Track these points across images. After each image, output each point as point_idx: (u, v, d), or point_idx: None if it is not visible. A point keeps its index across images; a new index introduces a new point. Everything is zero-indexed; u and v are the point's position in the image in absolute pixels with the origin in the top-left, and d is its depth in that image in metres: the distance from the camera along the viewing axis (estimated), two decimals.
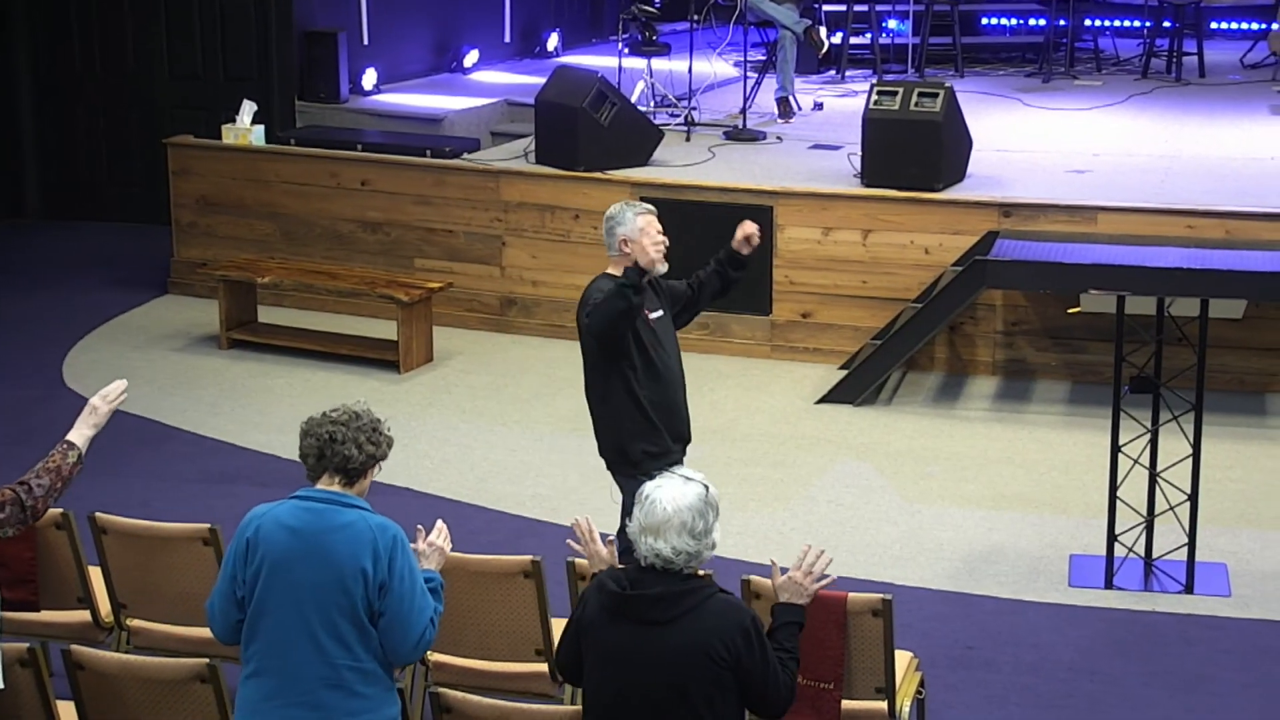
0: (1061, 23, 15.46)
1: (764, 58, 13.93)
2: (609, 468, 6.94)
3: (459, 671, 6.11)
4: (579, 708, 5.03)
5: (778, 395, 10.34)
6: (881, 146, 10.82)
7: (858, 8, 15.26)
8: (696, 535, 4.71)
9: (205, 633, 5.00)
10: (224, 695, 5.14)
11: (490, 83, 14.75)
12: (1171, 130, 12.90)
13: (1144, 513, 7.75)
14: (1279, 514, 8.59)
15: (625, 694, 4.72)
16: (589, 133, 11.30)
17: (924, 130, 10.72)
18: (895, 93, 10.95)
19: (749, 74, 13.07)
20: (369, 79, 13.86)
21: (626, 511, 6.62)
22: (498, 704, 5.09)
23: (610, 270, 6.72)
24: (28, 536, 6.04)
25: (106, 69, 14.21)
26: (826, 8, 15.35)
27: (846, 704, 5.55)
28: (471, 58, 15.18)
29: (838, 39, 15.08)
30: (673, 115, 12.87)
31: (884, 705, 5.65)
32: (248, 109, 12.39)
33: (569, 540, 5.43)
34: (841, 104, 13.90)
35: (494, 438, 9.71)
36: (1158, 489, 7.71)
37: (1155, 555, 7.78)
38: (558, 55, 15.93)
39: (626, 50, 13.33)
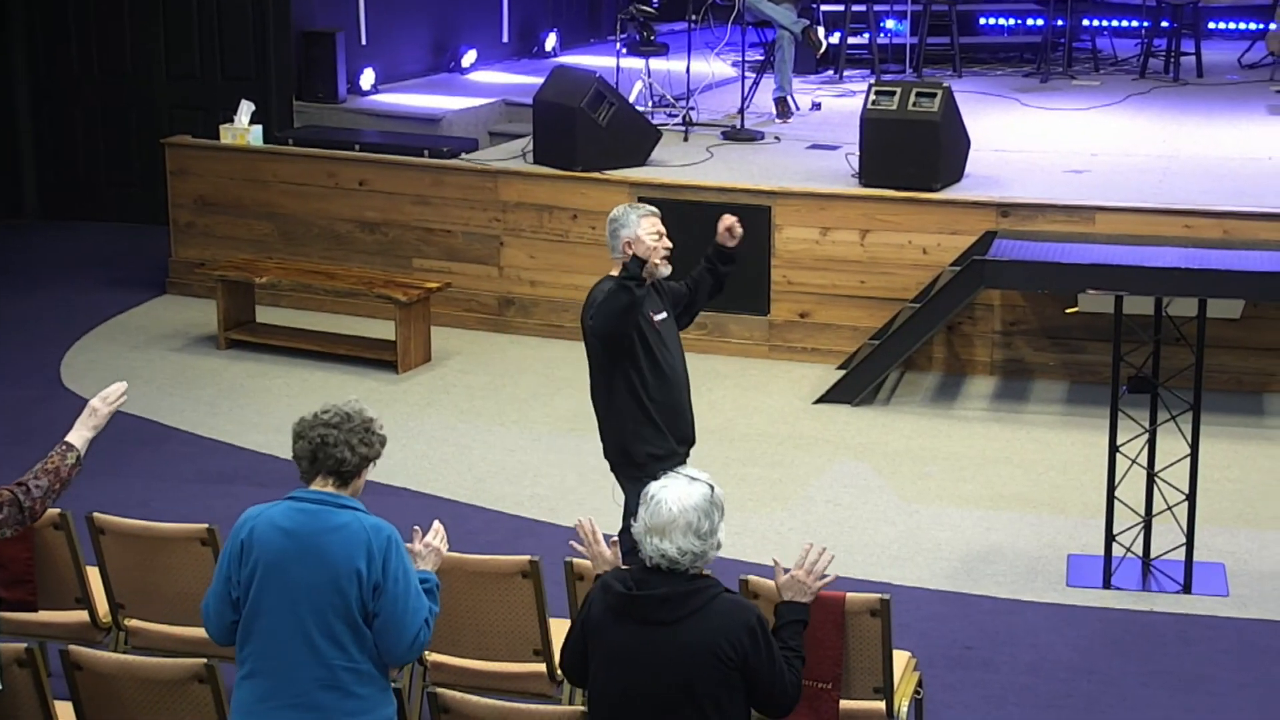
0: (1059, 23, 15.46)
1: (762, 58, 13.93)
2: (613, 469, 6.93)
3: (457, 671, 6.10)
4: (577, 708, 5.03)
5: (775, 395, 10.34)
6: (879, 146, 10.82)
7: (855, 8, 15.26)
8: (702, 535, 4.72)
9: (203, 633, 5.00)
10: (222, 695, 5.14)
11: (488, 83, 14.75)
12: (1169, 130, 12.90)
13: (1142, 513, 7.75)
14: (1277, 514, 8.59)
15: (631, 695, 4.72)
16: (587, 133, 11.30)
17: (922, 130, 10.72)
18: (893, 93, 10.96)
19: (747, 74, 13.07)
20: (367, 79, 13.86)
21: (630, 513, 6.62)
22: (496, 704, 5.08)
23: (613, 273, 6.72)
24: (25, 537, 6.03)
25: (104, 69, 14.20)
26: (824, 8, 15.36)
27: (845, 704, 5.55)
28: (469, 58, 15.18)
29: (835, 39, 15.09)
30: (671, 115, 12.88)
31: (882, 705, 5.65)
32: (246, 109, 12.39)
33: (572, 542, 5.42)
34: (839, 104, 13.90)
35: (492, 438, 9.71)
36: (1156, 489, 7.71)
37: (1153, 555, 7.79)
38: (556, 55, 15.93)
39: (624, 50, 13.32)
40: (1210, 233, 10.01)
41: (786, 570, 5.17)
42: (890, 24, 15.80)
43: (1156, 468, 7.67)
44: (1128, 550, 7.79)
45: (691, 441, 6.95)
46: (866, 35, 15.38)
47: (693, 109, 12.83)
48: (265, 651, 4.73)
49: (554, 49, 16.21)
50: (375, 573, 4.69)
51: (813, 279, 10.83)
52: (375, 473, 7.84)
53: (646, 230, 6.65)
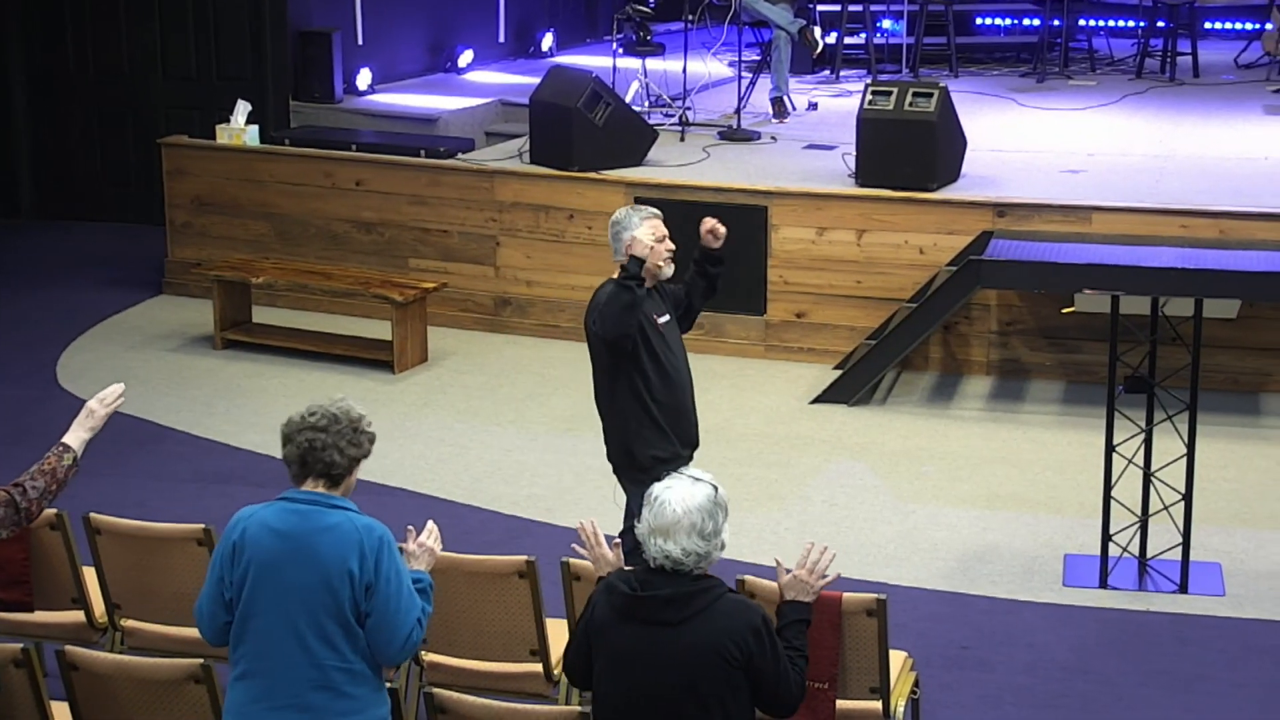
0: (1056, 23, 15.46)
1: (759, 58, 13.93)
2: (615, 472, 6.92)
3: (453, 672, 6.10)
4: (574, 708, 5.03)
5: (772, 395, 10.34)
6: (876, 146, 10.83)
7: (852, 8, 15.26)
8: (706, 536, 4.72)
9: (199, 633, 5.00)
10: (217, 696, 5.14)
11: (485, 83, 14.75)
12: (1166, 130, 12.90)
13: (1138, 512, 7.75)
14: (1273, 513, 8.59)
15: (637, 696, 4.72)
16: (583, 133, 11.30)
17: (918, 130, 10.72)
18: (890, 93, 10.96)
19: (743, 74, 13.07)
20: (364, 79, 13.86)
21: (632, 514, 6.62)
22: (492, 704, 5.08)
23: (615, 275, 6.72)
24: (21, 537, 6.03)
25: (101, 69, 14.20)
26: (821, 8, 15.37)
27: (841, 704, 5.55)
28: (466, 58, 15.18)
29: (832, 39, 15.09)
30: (667, 115, 12.88)
31: (878, 705, 5.65)
32: (242, 109, 12.39)
33: (574, 545, 5.43)
34: (836, 104, 13.90)
35: (488, 438, 9.71)
36: (1152, 489, 7.71)
37: (1150, 555, 7.79)
38: (552, 55, 15.93)
39: (621, 50, 13.32)
40: (1206, 233, 10.01)
41: (789, 570, 5.18)
42: (887, 24, 15.81)
43: (1153, 467, 7.67)
44: (1124, 550, 7.79)
45: (695, 444, 6.94)
46: (863, 35, 15.38)
47: (689, 109, 12.84)
48: (258, 652, 4.73)
49: (550, 49, 16.21)
50: (367, 573, 4.69)
51: (809, 279, 10.83)
52: (372, 473, 7.81)
53: (648, 232, 6.66)
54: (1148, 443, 7.65)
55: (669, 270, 6.76)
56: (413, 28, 14.74)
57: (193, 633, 5.70)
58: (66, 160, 14.44)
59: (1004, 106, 13.83)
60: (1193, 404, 7.54)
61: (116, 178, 14.29)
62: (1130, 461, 7.67)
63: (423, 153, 11.93)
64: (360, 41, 14.04)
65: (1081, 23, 16.23)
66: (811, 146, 12.28)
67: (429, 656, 6.13)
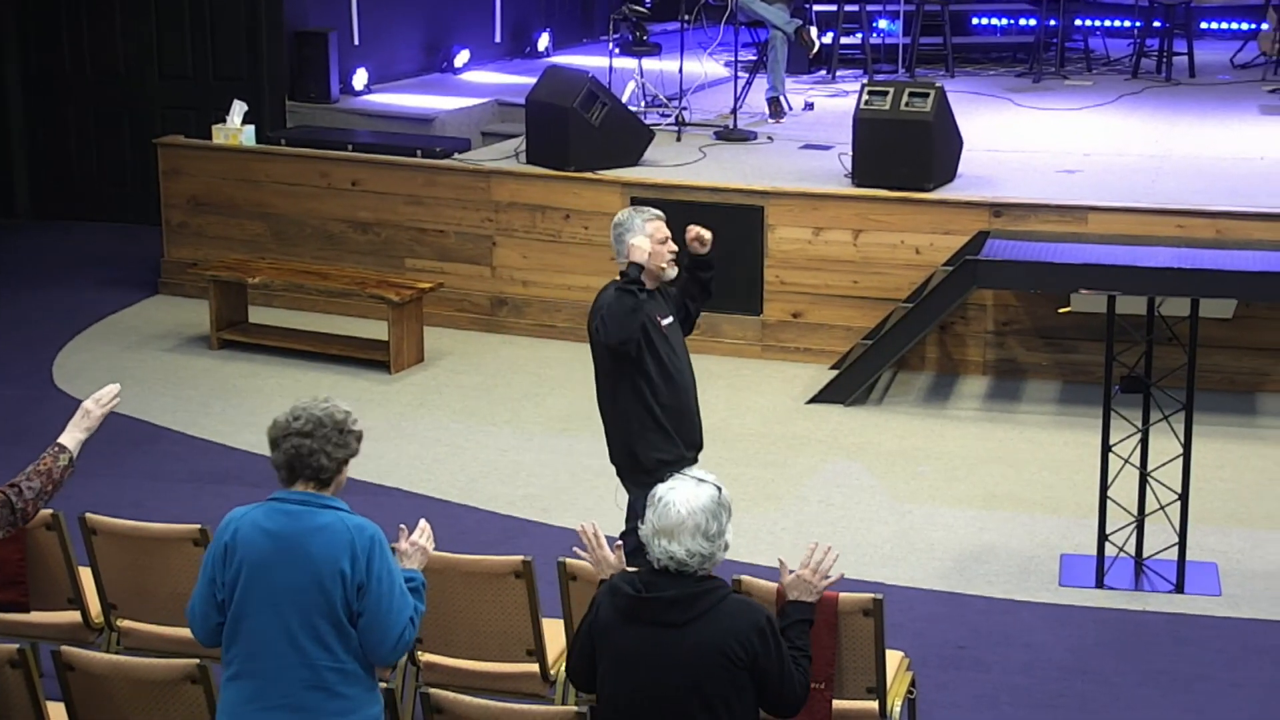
0: (1052, 23, 15.47)
1: (755, 58, 13.93)
2: (619, 474, 6.90)
3: (450, 672, 6.10)
4: (570, 708, 5.03)
5: (768, 395, 10.34)
6: (872, 146, 10.83)
7: (848, 8, 15.26)
8: (710, 537, 4.72)
9: None
10: (214, 696, 5.13)
11: (481, 83, 14.75)
12: (1162, 130, 12.91)
13: (1135, 512, 7.75)
14: (1269, 513, 8.60)
15: (642, 697, 4.72)
16: (580, 133, 11.30)
17: (915, 130, 10.72)
18: (886, 93, 10.96)
19: (740, 74, 13.07)
20: (360, 79, 13.86)
21: (635, 515, 6.61)
22: (488, 704, 5.08)
23: (618, 277, 6.72)
24: (17, 538, 6.03)
25: (97, 69, 14.19)
26: (817, 8, 15.37)
27: (837, 704, 5.55)
28: (462, 58, 15.18)
29: (828, 39, 15.09)
30: (663, 115, 12.87)
31: (875, 705, 5.65)
32: (238, 109, 12.38)
33: (575, 548, 5.42)
34: (832, 104, 13.90)
35: (484, 438, 9.71)
36: (1148, 488, 7.71)
37: (1146, 555, 7.79)
38: (548, 55, 15.93)
39: (617, 50, 13.32)
40: (1203, 233, 10.02)
41: (792, 570, 5.18)
42: (883, 24, 15.81)
43: (1149, 467, 7.68)
44: (1120, 550, 7.79)
45: (699, 446, 6.92)
46: (859, 35, 15.38)
47: (685, 109, 12.83)
48: (251, 653, 4.73)
49: (547, 49, 16.21)
50: (359, 572, 4.68)
51: (805, 279, 10.83)
52: (368, 473, 7.82)
53: (650, 234, 6.65)
54: (1144, 443, 7.65)
55: (672, 272, 6.76)
56: (409, 28, 14.74)
57: (189, 633, 5.69)
58: (63, 160, 14.43)
59: (1000, 106, 13.83)
60: (1189, 404, 7.54)
61: (113, 178, 14.28)
62: (1126, 461, 7.67)
63: (419, 153, 11.93)
64: (356, 41, 14.04)
65: (1078, 23, 16.23)
66: (808, 146, 12.28)
67: (425, 657, 6.12)
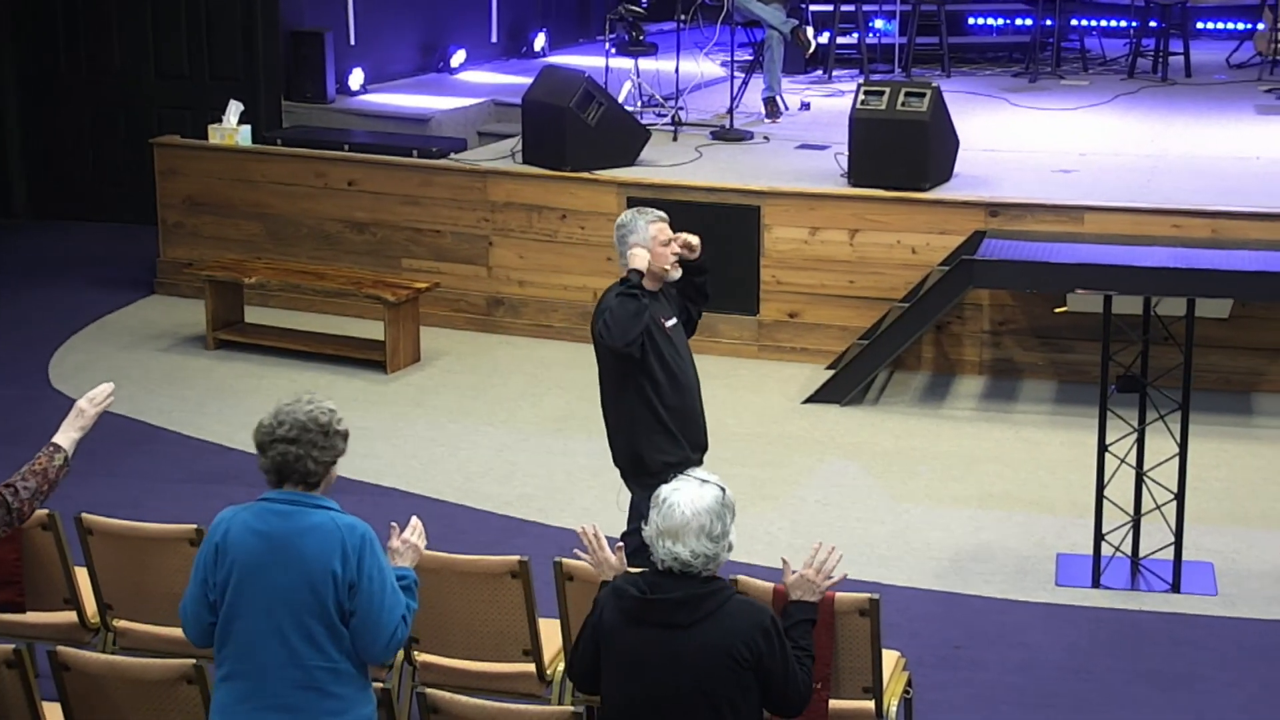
0: (1048, 22, 15.47)
1: (751, 58, 13.93)
2: (623, 477, 6.88)
3: (446, 672, 6.10)
4: (567, 708, 5.03)
5: (765, 395, 10.34)
6: (868, 146, 10.83)
7: (844, 7, 15.26)
8: (715, 538, 4.72)
9: None
10: (209, 696, 5.13)
11: (477, 83, 14.75)
12: (1158, 130, 12.91)
13: (1131, 512, 7.75)
14: (1265, 513, 8.60)
15: (647, 699, 4.72)
16: (576, 132, 11.30)
17: (911, 130, 10.72)
18: (882, 93, 10.96)
19: (736, 74, 13.07)
20: (356, 79, 13.85)
21: (638, 517, 6.59)
22: (485, 704, 5.08)
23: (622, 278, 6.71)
24: (13, 537, 6.03)
25: (93, 69, 14.18)
26: (813, 7, 15.36)
27: (834, 704, 5.55)
28: (458, 58, 15.17)
29: (824, 39, 15.09)
30: (660, 115, 12.87)
31: (871, 705, 5.65)
32: (234, 109, 12.38)
33: (576, 550, 5.42)
34: (828, 104, 13.90)
35: (481, 438, 9.70)
36: (1144, 488, 7.71)
37: (1142, 554, 7.79)
38: (545, 55, 15.93)
39: (613, 50, 13.32)
40: (1199, 232, 10.02)
41: (795, 570, 5.18)
42: (879, 24, 15.81)
43: (1145, 467, 7.68)
44: (1117, 549, 7.79)
45: (704, 447, 6.89)
46: (855, 35, 15.39)
47: (682, 109, 12.83)
48: (243, 653, 4.73)
49: (543, 49, 16.21)
50: (350, 572, 4.68)
51: (802, 279, 10.83)
52: (364, 473, 7.80)
53: (654, 236, 6.63)
54: (1140, 442, 7.65)
55: (676, 273, 6.74)
56: (405, 28, 14.73)
57: None
58: (59, 160, 14.42)
59: (996, 106, 13.84)
60: (1185, 403, 7.55)
61: (109, 177, 14.27)
62: (1123, 461, 7.67)
63: (415, 153, 11.92)
64: (352, 41, 14.03)
65: (1074, 22, 16.23)
66: (804, 146, 12.28)
67: (421, 656, 6.12)
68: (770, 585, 5.40)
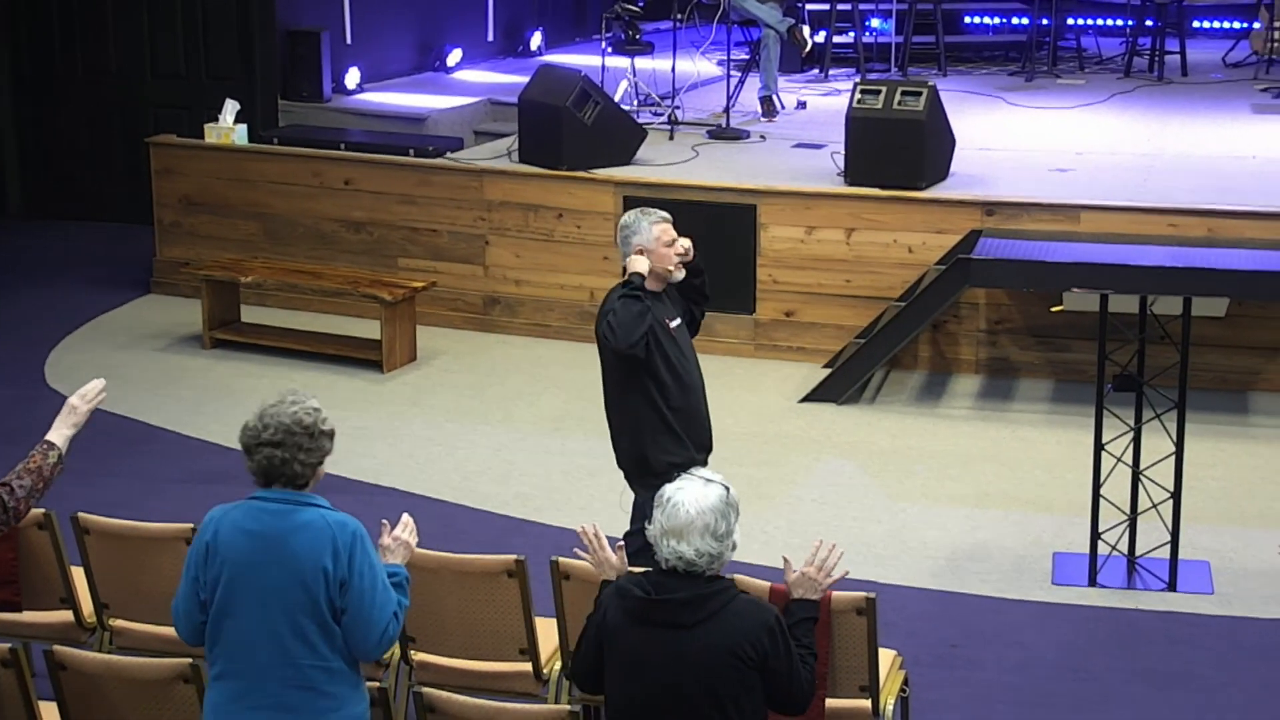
0: (1044, 21, 15.48)
1: (747, 56, 13.93)
2: (627, 478, 6.86)
3: (443, 671, 6.10)
4: (564, 707, 5.02)
5: (761, 394, 10.34)
6: (865, 145, 10.83)
7: (841, 6, 15.27)
8: (719, 537, 4.72)
9: None
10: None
11: (473, 82, 14.75)
12: (1154, 129, 12.92)
13: (1127, 511, 7.76)
14: (1261, 511, 8.61)
15: (652, 699, 4.72)
16: (572, 132, 11.29)
17: (907, 129, 10.72)
18: (878, 91, 10.96)
19: (732, 73, 13.07)
20: (352, 78, 13.85)
21: (642, 518, 6.59)
22: (482, 704, 5.08)
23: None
24: (9, 537, 6.02)
25: (89, 68, 14.17)
26: (810, 6, 15.36)
27: (830, 703, 5.55)
28: (455, 57, 15.17)
29: (821, 38, 15.09)
30: (656, 114, 12.87)
31: (868, 704, 5.66)
32: (230, 108, 12.37)
33: (576, 549, 5.42)
34: (825, 103, 13.91)
35: (478, 437, 9.70)
36: (1141, 487, 7.72)
37: (1138, 553, 7.80)
38: (541, 54, 15.93)
39: (610, 49, 13.32)
40: (1195, 231, 10.03)
41: (796, 569, 5.18)
42: (875, 23, 15.81)
43: (1142, 466, 7.68)
44: (1113, 548, 7.80)
45: (709, 448, 6.88)
46: (852, 34, 15.39)
47: (678, 108, 12.83)
48: (235, 652, 4.73)
49: (539, 48, 16.21)
50: (341, 569, 4.68)
51: (798, 278, 10.83)
52: (361, 472, 7.80)
53: (658, 237, 6.62)
54: (1136, 441, 7.66)
55: (679, 274, 6.72)
56: (401, 27, 14.73)
57: None
58: (55, 160, 14.41)
59: (993, 105, 13.84)
60: (1181, 402, 7.55)
61: (105, 177, 14.26)
62: (1119, 460, 7.67)
63: (411, 152, 11.91)
64: (349, 41, 14.03)
65: (1070, 21, 16.24)
66: (800, 145, 12.28)
67: (418, 656, 6.12)
68: (767, 584, 5.39)
